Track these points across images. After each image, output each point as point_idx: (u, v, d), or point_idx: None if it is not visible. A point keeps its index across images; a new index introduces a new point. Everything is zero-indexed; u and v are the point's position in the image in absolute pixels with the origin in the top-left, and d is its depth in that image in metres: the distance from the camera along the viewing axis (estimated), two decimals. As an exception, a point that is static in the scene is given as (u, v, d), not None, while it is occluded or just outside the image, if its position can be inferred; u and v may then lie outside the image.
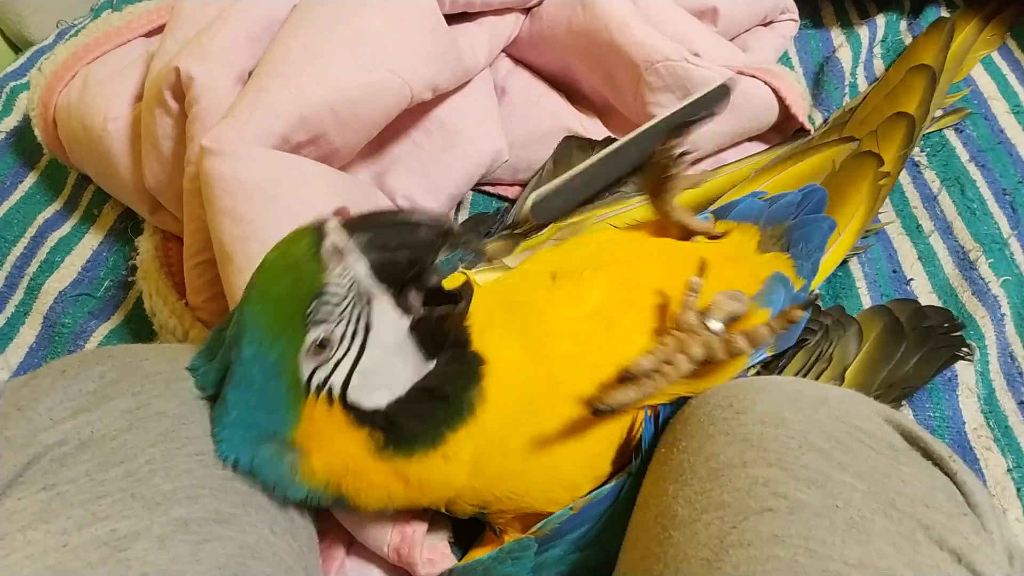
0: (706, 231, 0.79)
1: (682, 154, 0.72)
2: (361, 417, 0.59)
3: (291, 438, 0.59)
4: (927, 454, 0.56)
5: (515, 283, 0.74)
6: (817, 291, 0.85)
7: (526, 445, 0.63)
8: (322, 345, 0.57)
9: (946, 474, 0.55)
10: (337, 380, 0.59)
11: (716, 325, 0.64)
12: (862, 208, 0.89)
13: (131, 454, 0.56)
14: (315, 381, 0.58)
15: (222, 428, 0.59)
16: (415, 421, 0.60)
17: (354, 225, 0.58)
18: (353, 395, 0.59)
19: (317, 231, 0.57)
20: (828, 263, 0.86)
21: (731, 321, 0.65)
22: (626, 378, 0.61)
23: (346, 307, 0.58)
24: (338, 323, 0.58)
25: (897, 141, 0.93)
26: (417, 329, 0.60)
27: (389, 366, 0.60)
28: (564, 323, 0.67)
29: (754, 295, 0.74)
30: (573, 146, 0.95)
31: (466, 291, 0.62)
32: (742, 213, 0.84)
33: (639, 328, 0.68)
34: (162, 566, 0.51)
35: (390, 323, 0.59)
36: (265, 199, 0.70)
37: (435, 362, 0.61)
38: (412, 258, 0.59)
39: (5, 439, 0.56)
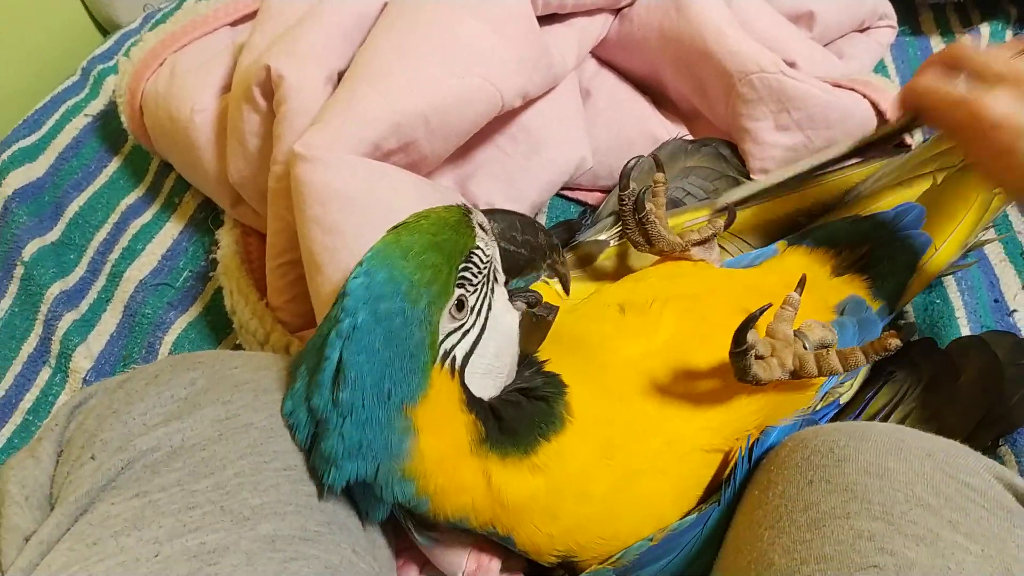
0: (686, 249, 0.77)
1: (639, 197, 0.73)
2: (471, 401, 0.58)
3: (413, 410, 0.56)
4: None
5: (582, 314, 0.72)
6: (912, 321, 0.81)
7: (609, 485, 0.62)
8: (459, 307, 0.58)
9: None
10: (461, 351, 0.58)
11: (810, 344, 0.63)
12: (968, 219, 0.84)
13: (220, 465, 0.56)
14: (445, 346, 0.57)
15: (337, 406, 0.55)
16: (516, 420, 0.60)
17: (490, 214, 0.62)
18: (468, 374, 0.59)
19: (462, 207, 0.60)
20: (920, 280, 0.82)
21: (821, 347, 0.64)
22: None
23: (481, 280, 0.59)
24: (473, 292, 0.59)
25: None
26: (521, 326, 0.62)
27: (499, 354, 0.61)
28: (639, 357, 0.66)
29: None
30: (681, 149, 0.93)
31: (552, 307, 0.64)
32: (822, 239, 0.81)
33: (709, 361, 0.66)
34: None
35: (505, 311, 0.61)
36: (356, 209, 0.69)
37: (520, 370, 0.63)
38: (530, 257, 0.63)
39: (101, 442, 0.57)
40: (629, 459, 0.63)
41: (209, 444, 0.57)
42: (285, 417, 0.59)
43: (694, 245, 0.76)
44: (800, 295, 0.64)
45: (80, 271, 0.97)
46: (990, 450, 0.75)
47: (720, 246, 0.81)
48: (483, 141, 0.88)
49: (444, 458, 0.57)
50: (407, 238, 0.57)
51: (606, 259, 0.81)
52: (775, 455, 0.61)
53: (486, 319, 0.60)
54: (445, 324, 0.57)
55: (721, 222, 0.76)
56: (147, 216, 1.00)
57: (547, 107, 0.90)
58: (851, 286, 0.78)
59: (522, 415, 0.60)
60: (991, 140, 0.63)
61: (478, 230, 0.59)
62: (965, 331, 0.85)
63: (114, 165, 1.05)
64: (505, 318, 0.61)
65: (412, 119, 0.74)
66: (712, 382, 0.66)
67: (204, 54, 0.95)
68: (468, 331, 0.58)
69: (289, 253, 0.79)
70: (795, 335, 0.63)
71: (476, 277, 0.59)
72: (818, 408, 0.73)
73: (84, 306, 0.94)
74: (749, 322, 0.59)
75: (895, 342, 0.59)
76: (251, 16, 1.00)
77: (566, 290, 0.67)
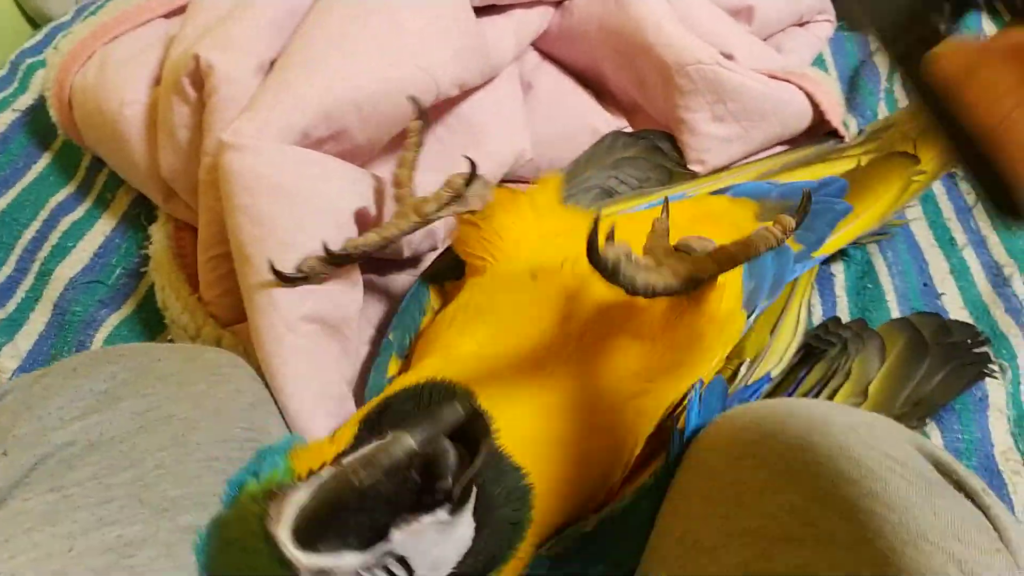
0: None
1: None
2: None
3: None
4: (960, 486, 0.54)
5: (492, 286, 0.71)
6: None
7: (549, 483, 0.61)
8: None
9: (979, 507, 0.53)
10: None
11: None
12: (887, 197, 0.88)
13: (140, 458, 0.55)
14: None
15: None
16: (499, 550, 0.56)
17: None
18: None
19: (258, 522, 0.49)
20: (837, 241, 0.85)
21: None
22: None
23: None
24: None
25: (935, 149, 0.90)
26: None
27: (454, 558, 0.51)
28: (560, 320, 0.65)
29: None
30: (618, 142, 0.93)
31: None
32: (744, 191, 0.83)
33: (622, 308, 0.66)
34: (168, 574, 0.51)
35: (441, 535, 0.49)
36: (285, 198, 0.68)
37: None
38: (444, 469, 0.46)
39: (14, 438, 0.55)
40: (569, 426, 0.62)
41: (128, 437, 0.56)
42: None
43: (436, 213, 0.72)
44: (666, 217, 0.62)
45: (8, 270, 0.94)
46: (918, 428, 0.77)
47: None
48: (421, 132, 0.87)
49: None
50: None
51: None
52: (705, 434, 0.62)
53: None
54: None
55: (460, 180, 0.71)
56: (78, 213, 0.97)
57: (486, 98, 0.90)
58: None
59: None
60: None
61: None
62: (895, 314, 0.88)
63: (43, 161, 1.02)
64: (444, 540, 0.49)
65: (343, 107, 0.73)
66: (630, 328, 0.66)
67: (135, 46, 0.93)
68: None
69: (220, 246, 0.77)
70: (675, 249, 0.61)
71: None
72: (749, 383, 0.74)
73: (11, 305, 0.91)
74: (593, 239, 0.55)
75: (789, 219, 0.59)
76: (184, 9, 0.98)
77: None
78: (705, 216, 0.79)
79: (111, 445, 0.55)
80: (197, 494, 0.55)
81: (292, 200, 0.67)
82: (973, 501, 0.53)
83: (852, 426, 0.56)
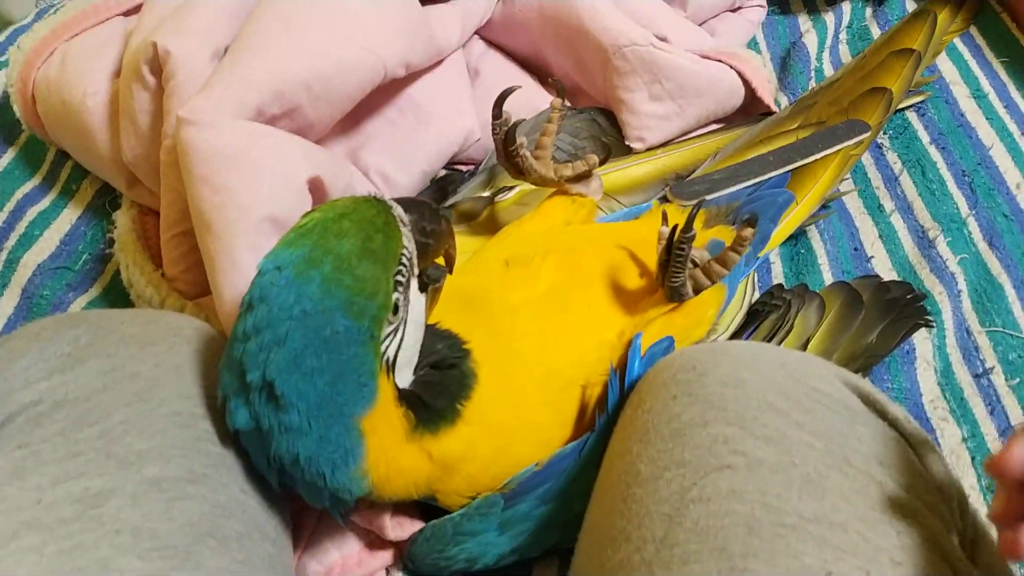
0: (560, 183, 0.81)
1: (511, 129, 0.76)
2: (400, 394, 0.59)
3: (363, 420, 0.56)
4: (883, 415, 0.58)
5: (470, 269, 0.76)
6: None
7: (511, 419, 0.66)
8: (395, 311, 0.56)
9: (900, 434, 0.57)
10: (392, 351, 0.57)
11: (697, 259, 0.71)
12: (828, 175, 0.93)
13: (105, 414, 0.57)
14: (381, 350, 0.56)
15: (285, 429, 0.54)
16: (437, 397, 0.61)
17: (405, 204, 0.60)
18: (396, 370, 0.59)
19: (378, 200, 0.58)
20: (783, 231, 0.90)
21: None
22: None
23: (407, 278, 0.58)
24: (403, 292, 0.57)
25: (872, 113, 0.96)
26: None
27: (416, 341, 0.61)
28: (521, 303, 0.71)
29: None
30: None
31: (441, 268, 0.65)
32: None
33: (587, 304, 0.72)
34: (134, 523, 0.52)
35: (416, 299, 0.60)
36: (242, 167, 0.71)
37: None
38: (436, 246, 0.62)
39: None
40: (520, 389, 0.67)
41: (94, 395, 0.58)
42: (220, 397, 0.58)
43: (568, 181, 0.80)
44: (668, 228, 0.69)
45: (-26, 261, 0.96)
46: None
47: (598, 205, 0.87)
48: (372, 113, 0.91)
49: (386, 451, 0.59)
50: (335, 243, 0.54)
51: (488, 216, 0.85)
52: (646, 377, 0.65)
53: (407, 313, 0.59)
54: (383, 331, 0.56)
55: (595, 158, 0.81)
56: (44, 203, 1.00)
57: (434, 81, 0.94)
58: (720, 235, 0.85)
59: (441, 391, 0.62)
60: None
61: (401, 227, 0.58)
62: (828, 277, 0.93)
63: (9, 156, 1.05)
64: (417, 305, 0.61)
65: (294, 85, 0.77)
66: (584, 324, 0.72)
67: (96, 41, 0.96)
68: (397, 329, 0.58)
69: (182, 224, 0.81)
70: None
71: (404, 278, 0.58)
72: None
73: (-21, 293, 0.94)
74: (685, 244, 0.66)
75: (750, 230, 0.66)
76: (140, 8, 1.01)
77: (450, 270, 0.67)
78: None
79: (76, 403, 0.57)
80: (162, 447, 0.57)
81: (248, 169, 0.71)
82: (895, 428, 0.57)
83: (781, 362, 0.59)
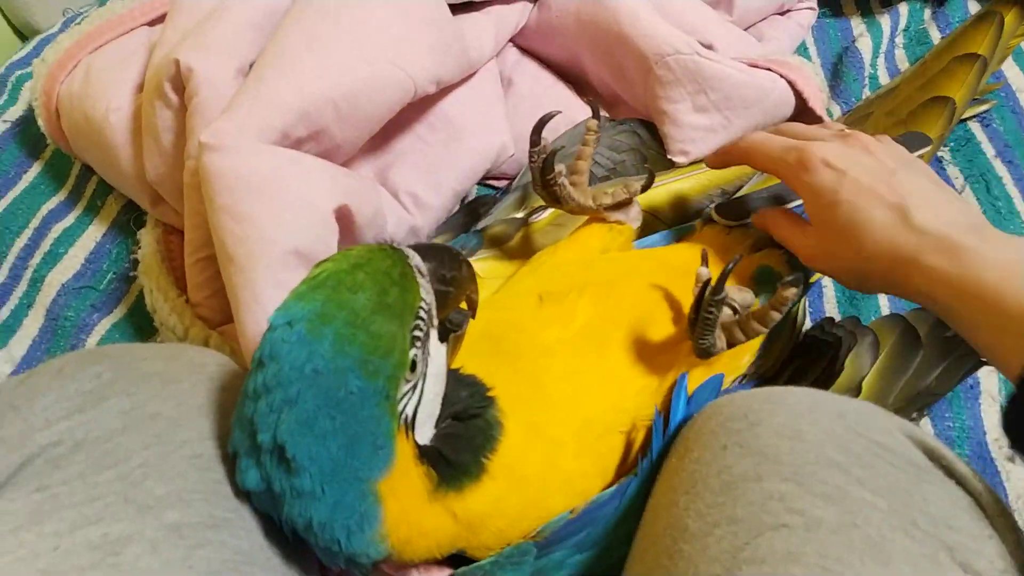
0: (596, 211, 0.77)
1: (548, 158, 0.71)
2: (420, 452, 0.56)
3: (381, 483, 0.53)
4: (950, 472, 0.54)
5: (501, 303, 0.72)
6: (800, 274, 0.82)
7: (542, 470, 0.62)
8: (412, 368, 0.53)
9: (970, 494, 0.53)
10: (411, 409, 0.54)
11: (736, 305, 0.65)
12: None
13: (124, 456, 0.55)
14: (399, 409, 0.53)
15: (296, 494, 0.51)
16: (460, 452, 0.58)
17: (421, 251, 0.57)
18: (416, 427, 0.56)
19: (395, 250, 0.55)
20: None
21: (744, 309, 0.66)
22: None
23: (425, 332, 0.55)
24: (421, 347, 0.55)
25: (934, 124, 0.89)
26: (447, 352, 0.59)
27: (437, 395, 0.58)
28: (555, 343, 0.67)
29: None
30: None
31: (465, 313, 0.62)
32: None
33: (626, 343, 0.68)
34: (154, 571, 0.50)
35: (436, 351, 0.57)
36: (266, 196, 0.68)
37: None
38: (456, 294, 0.59)
39: (0, 439, 0.55)
40: (552, 438, 0.63)
41: (113, 436, 0.56)
42: (231, 452, 0.55)
43: (606, 209, 0.76)
44: (707, 268, 0.65)
45: (0, 277, 0.95)
46: (916, 421, 0.77)
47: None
48: (402, 130, 0.88)
49: (407, 513, 0.55)
50: (348, 297, 0.51)
51: (522, 238, 0.81)
52: (692, 423, 0.61)
53: (426, 366, 0.56)
54: (400, 390, 0.53)
55: (637, 186, 0.76)
56: (69, 220, 0.99)
57: (466, 95, 0.91)
58: (768, 259, 0.80)
59: (465, 444, 0.59)
60: (818, 178, 0.66)
61: (419, 277, 0.55)
62: (884, 304, 0.87)
63: (34, 170, 1.03)
64: (437, 356, 0.58)
65: (321, 105, 0.74)
66: (624, 365, 0.68)
67: (119, 54, 0.94)
68: (416, 386, 0.55)
69: (207, 248, 0.78)
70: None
71: (422, 332, 0.55)
72: (744, 382, 0.74)
73: (5, 312, 0.93)
74: (717, 299, 0.61)
75: (792, 290, 0.61)
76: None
77: (473, 314, 0.63)
78: (713, 263, 0.78)
79: (96, 444, 0.55)
80: (182, 491, 0.55)
81: (272, 198, 0.68)
82: (963, 487, 0.53)
83: (840, 413, 0.55)
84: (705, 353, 0.65)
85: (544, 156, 0.71)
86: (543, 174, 0.72)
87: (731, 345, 0.65)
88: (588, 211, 0.76)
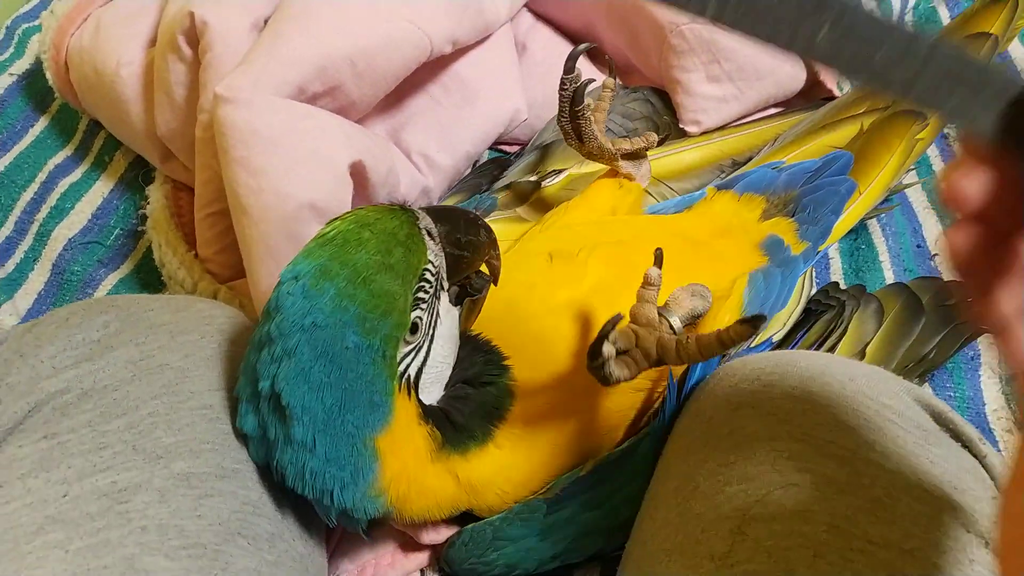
0: (615, 156, 0.76)
1: (580, 87, 0.71)
2: (425, 412, 0.57)
3: (377, 439, 0.54)
4: (956, 435, 0.55)
5: (512, 264, 0.72)
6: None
7: (551, 435, 0.63)
8: (414, 331, 0.54)
9: (975, 456, 0.54)
10: (414, 369, 0.55)
11: (676, 323, 0.59)
12: (892, 164, 0.87)
13: (133, 406, 0.56)
14: (400, 369, 0.54)
15: (288, 443, 0.53)
16: (468, 417, 0.59)
17: (435, 214, 0.57)
18: (421, 387, 0.57)
19: (404, 211, 0.56)
20: (845, 223, 0.84)
21: (692, 319, 0.62)
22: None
23: (431, 294, 0.56)
24: (425, 310, 0.55)
25: None
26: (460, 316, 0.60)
27: (446, 357, 0.59)
28: (565, 303, 0.67)
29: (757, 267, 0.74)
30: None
31: (485, 279, 0.62)
32: (751, 184, 0.83)
33: (631, 305, 0.65)
34: (162, 519, 0.51)
35: (447, 313, 0.58)
36: (281, 150, 0.68)
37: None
38: (472, 259, 0.59)
39: (7, 386, 0.56)
40: (562, 398, 0.63)
41: (122, 385, 0.56)
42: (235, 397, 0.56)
43: (623, 157, 0.76)
44: (660, 270, 0.59)
45: (6, 231, 0.95)
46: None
47: (646, 191, 0.82)
48: (416, 90, 0.87)
49: (406, 471, 0.56)
50: (353, 255, 0.52)
51: (535, 201, 0.81)
52: (704, 385, 0.62)
53: (434, 328, 0.57)
54: (400, 350, 0.54)
55: (655, 137, 0.76)
56: (76, 175, 0.98)
57: (481, 57, 0.90)
58: (778, 229, 0.80)
59: (474, 409, 0.60)
60: None
61: (427, 239, 0.55)
62: (889, 275, 0.88)
63: (41, 124, 1.03)
64: (448, 319, 0.58)
65: (338, 62, 0.73)
66: None
67: (131, 7, 0.93)
68: (420, 347, 0.56)
69: (217, 203, 0.78)
70: (661, 313, 0.59)
71: (428, 294, 0.55)
72: (752, 346, 0.74)
73: (10, 265, 0.92)
74: (603, 336, 0.54)
75: (746, 328, 0.54)
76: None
77: (495, 280, 0.63)
78: (724, 231, 0.78)
79: (104, 393, 0.56)
80: (190, 441, 0.55)
81: (287, 152, 0.68)
82: (969, 450, 0.54)
83: (851, 376, 0.56)
84: (602, 379, 0.57)
85: (576, 85, 0.71)
86: (573, 104, 0.72)
87: (660, 363, 0.58)
88: (605, 154, 0.75)
